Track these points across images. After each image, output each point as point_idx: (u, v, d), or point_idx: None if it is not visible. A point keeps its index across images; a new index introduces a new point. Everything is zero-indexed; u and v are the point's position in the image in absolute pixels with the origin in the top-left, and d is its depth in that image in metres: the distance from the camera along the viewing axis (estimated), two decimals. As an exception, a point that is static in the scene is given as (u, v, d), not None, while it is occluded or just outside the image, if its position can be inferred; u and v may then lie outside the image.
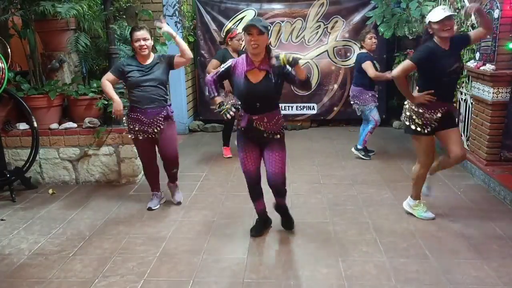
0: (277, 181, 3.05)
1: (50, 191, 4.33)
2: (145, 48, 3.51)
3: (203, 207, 3.88)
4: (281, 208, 3.30)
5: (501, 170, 4.13)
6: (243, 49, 5.06)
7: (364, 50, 4.97)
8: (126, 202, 4.03)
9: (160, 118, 3.60)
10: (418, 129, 3.26)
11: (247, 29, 2.76)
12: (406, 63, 3.22)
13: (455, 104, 3.36)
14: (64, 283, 2.74)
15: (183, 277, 2.77)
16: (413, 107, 3.27)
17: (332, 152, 5.49)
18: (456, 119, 3.30)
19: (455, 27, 4.90)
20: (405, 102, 3.39)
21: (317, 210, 3.75)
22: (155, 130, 3.62)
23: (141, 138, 3.64)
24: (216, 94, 3.03)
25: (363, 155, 5.15)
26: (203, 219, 3.63)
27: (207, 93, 2.97)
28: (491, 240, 3.14)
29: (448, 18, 3.04)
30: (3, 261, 3.03)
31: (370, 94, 4.96)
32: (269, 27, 2.88)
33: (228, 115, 2.96)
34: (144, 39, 3.50)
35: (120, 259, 3.00)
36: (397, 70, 3.26)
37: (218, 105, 3.03)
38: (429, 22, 3.14)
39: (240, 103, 3.04)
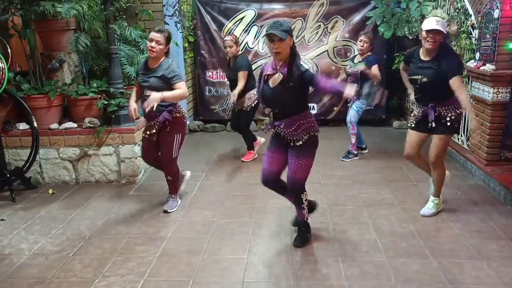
0: (292, 186, 3.00)
1: (50, 191, 4.33)
2: (153, 51, 3.44)
3: (203, 207, 3.88)
4: (298, 222, 3.22)
5: (501, 170, 4.13)
6: (242, 53, 5.08)
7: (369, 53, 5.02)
8: (126, 202, 4.03)
9: (155, 122, 3.60)
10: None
11: (268, 35, 2.72)
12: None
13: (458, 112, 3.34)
14: (64, 283, 2.74)
15: (183, 277, 2.77)
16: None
17: (332, 152, 5.49)
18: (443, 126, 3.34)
19: (455, 28, 4.93)
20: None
21: (319, 210, 3.75)
22: (152, 132, 3.65)
23: (145, 135, 3.72)
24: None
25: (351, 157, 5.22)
26: (203, 219, 3.63)
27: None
28: (491, 240, 3.14)
29: (434, 31, 3.13)
30: (3, 261, 3.03)
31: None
32: (291, 28, 2.81)
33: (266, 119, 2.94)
34: (156, 42, 3.42)
35: (120, 259, 3.00)
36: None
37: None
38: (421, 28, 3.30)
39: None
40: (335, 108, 6.92)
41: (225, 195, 4.14)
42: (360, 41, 4.94)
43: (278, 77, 2.81)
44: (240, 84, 4.76)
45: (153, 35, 3.45)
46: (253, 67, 5.50)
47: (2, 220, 3.71)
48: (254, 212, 3.71)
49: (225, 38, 4.97)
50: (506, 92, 4.09)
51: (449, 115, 3.29)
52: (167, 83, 3.46)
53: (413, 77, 3.36)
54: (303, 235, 3.18)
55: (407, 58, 3.55)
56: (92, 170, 4.53)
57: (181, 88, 3.46)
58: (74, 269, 2.90)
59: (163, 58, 3.54)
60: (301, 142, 2.88)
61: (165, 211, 3.77)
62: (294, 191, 3.04)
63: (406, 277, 2.71)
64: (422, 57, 3.32)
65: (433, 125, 3.32)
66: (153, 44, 3.43)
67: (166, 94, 3.38)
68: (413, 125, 3.51)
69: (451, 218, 3.51)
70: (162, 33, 3.47)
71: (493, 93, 4.10)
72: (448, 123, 3.30)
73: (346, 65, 6.62)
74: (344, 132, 6.47)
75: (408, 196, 4.01)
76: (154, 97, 3.32)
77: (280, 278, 2.74)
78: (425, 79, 3.25)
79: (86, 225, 3.57)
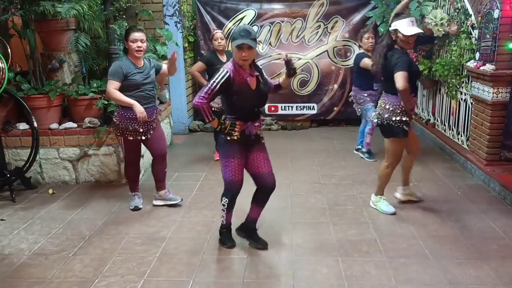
0: (273, 180, 2.99)
1: (50, 191, 4.33)
2: (141, 51, 3.54)
3: (203, 207, 3.88)
4: (252, 223, 3.15)
5: (501, 170, 4.13)
6: (229, 50, 5.06)
7: (361, 50, 4.99)
8: (126, 202, 4.02)
9: (154, 117, 3.70)
10: (406, 129, 3.47)
11: (238, 46, 2.71)
12: (403, 73, 3.24)
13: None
14: (64, 283, 2.74)
15: (183, 277, 2.77)
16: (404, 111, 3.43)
17: (332, 152, 5.49)
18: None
19: (455, 28, 4.94)
20: (390, 108, 3.45)
21: (317, 210, 3.75)
22: (146, 130, 3.65)
23: (131, 138, 3.64)
24: (213, 117, 2.80)
25: (366, 157, 5.15)
26: (203, 219, 3.63)
27: (205, 119, 2.80)
28: (491, 240, 3.14)
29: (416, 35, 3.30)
30: (3, 261, 3.03)
31: (366, 94, 4.97)
32: (256, 36, 2.87)
33: (234, 135, 2.84)
34: (142, 41, 3.53)
35: (120, 259, 3.00)
36: (401, 84, 3.25)
37: (220, 125, 2.85)
38: (396, 30, 3.33)
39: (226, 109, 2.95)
40: (335, 108, 6.92)
41: (225, 195, 4.13)
42: (372, 38, 4.92)
43: (253, 79, 2.87)
44: None
45: (137, 35, 3.51)
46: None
47: (2, 220, 3.71)
48: (254, 212, 3.71)
49: (217, 31, 4.95)
50: (506, 92, 4.09)
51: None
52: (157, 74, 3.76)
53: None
54: (257, 236, 3.17)
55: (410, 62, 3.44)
56: (92, 170, 4.53)
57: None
58: (74, 269, 2.90)
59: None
60: (263, 138, 3.05)
61: (178, 205, 3.88)
62: (273, 187, 3.01)
63: (406, 277, 2.71)
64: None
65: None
66: (139, 43, 3.51)
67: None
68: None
69: (451, 218, 3.51)
70: (143, 31, 3.60)
71: (493, 93, 4.10)
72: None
73: (347, 65, 6.68)
74: (344, 132, 6.49)
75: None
76: (140, 109, 3.47)
77: (280, 278, 2.74)
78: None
79: (86, 225, 3.57)
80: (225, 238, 3.18)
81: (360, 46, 5.04)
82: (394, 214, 3.59)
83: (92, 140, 4.43)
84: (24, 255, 3.10)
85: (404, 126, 3.42)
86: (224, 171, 2.95)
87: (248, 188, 3.05)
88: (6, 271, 2.90)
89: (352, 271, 2.79)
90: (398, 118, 3.40)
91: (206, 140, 6.32)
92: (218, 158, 5.22)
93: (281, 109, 6.93)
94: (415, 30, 3.31)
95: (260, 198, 3.06)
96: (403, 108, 3.39)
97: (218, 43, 4.82)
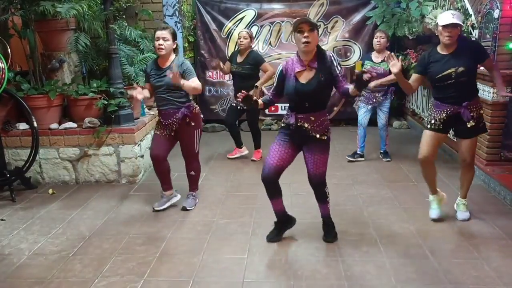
0: (316, 181, 3.05)
1: (50, 191, 4.33)
2: (162, 49, 3.46)
3: (203, 207, 3.88)
4: (324, 218, 3.25)
5: (501, 170, 4.13)
6: (254, 50, 5.15)
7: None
8: (126, 202, 4.03)
9: (174, 120, 3.58)
10: (427, 125, 3.41)
11: (297, 26, 2.73)
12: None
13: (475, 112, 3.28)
14: (64, 283, 2.74)
15: (183, 277, 2.77)
16: (429, 109, 3.43)
17: (332, 152, 5.45)
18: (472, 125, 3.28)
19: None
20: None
21: (317, 210, 3.74)
22: (171, 131, 3.63)
23: (158, 133, 3.69)
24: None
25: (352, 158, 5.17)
26: (203, 219, 3.63)
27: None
28: (491, 240, 3.15)
29: (452, 25, 3.06)
30: (3, 261, 3.03)
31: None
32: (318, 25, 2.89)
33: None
34: (163, 39, 3.45)
35: (120, 259, 3.00)
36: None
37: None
38: (437, 24, 3.21)
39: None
40: (335, 108, 6.92)
41: (225, 195, 4.13)
42: (377, 37, 4.90)
43: (310, 71, 2.84)
44: (268, 73, 4.87)
45: (159, 33, 3.48)
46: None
47: (2, 220, 3.71)
48: (254, 212, 3.71)
49: (241, 30, 5.11)
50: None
51: (478, 114, 3.28)
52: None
53: (446, 72, 3.15)
54: (332, 230, 3.23)
55: (422, 65, 3.31)
56: (92, 170, 4.53)
57: (197, 82, 3.56)
58: (74, 269, 2.90)
59: (173, 56, 3.58)
60: (325, 137, 2.96)
61: (184, 208, 3.79)
62: (319, 186, 3.07)
63: (406, 277, 2.71)
64: (443, 53, 3.20)
65: (473, 124, 3.24)
66: (160, 42, 3.45)
67: (186, 82, 3.45)
68: (439, 127, 3.32)
69: (451, 218, 3.51)
70: (167, 29, 3.51)
71: (493, 93, 4.10)
72: (481, 123, 3.31)
73: (347, 65, 6.67)
74: (344, 132, 6.49)
75: (408, 196, 4.01)
76: (178, 79, 3.37)
77: (280, 278, 2.74)
78: (461, 68, 3.12)
79: (86, 225, 3.57)
80: (271, 231, 3.27)
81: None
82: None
83: (92, 140, 4.43)
84: (24, 255, 3.10)
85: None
86: None
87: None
88: (6, 271, 2.90)
89: (352, 271, 2.79)
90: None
91: (206, 140, 6.31)
92: (257, 159, 5.23)
93: (281, 109, 6.93)
94: (446, 19, 3.07)
95: (315, 195, 3.16)
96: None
97: (240, 41, 4.95)
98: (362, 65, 4.48)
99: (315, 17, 6.70)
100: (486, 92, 4.20)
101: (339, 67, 2.86)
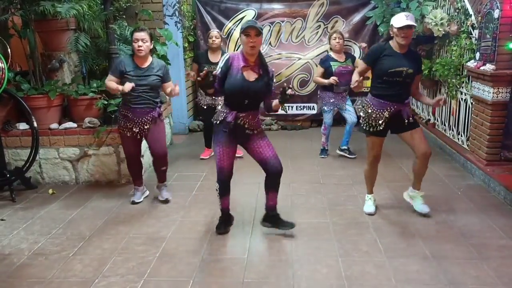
0: (279, 163, 3.12)
1: (50, 191, 4.33)
2: (142, 50, 3.56)
3: (203, 207, 3.88)
4: (272, 211, 3.28)
5: (501, 170, 4.13)
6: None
7: (330, 52, 5.15)
8: (126, 202, 4.03)
9: (148, 119, 3.70)
10: (368, 128, 3.43)
11: (245, 30, 2.86)
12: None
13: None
14: (64, 283, 2.74)
15: (183, 277, 2.77)
16: (365, 107, 3.45)
17: (332, 152, 5.49)
18: (411, 118, 3.41)
19: (455, 27, 4.94)
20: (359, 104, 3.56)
21: (317, 210, 3.75)
22: (140, 130, 3.71)
23: (129, 135, 3.75)
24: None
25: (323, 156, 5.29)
26: (203, 219, 3.63)
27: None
28: (491, 240, 3.14)
29: (408, 27, 3.17)
30: (3, 261, 3.03)
31: (326, 95, 5.16)
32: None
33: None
34: (143, 40, 3.55)
35: (120, 259, 3.00)
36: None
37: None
38: (391, 25, 3.29)
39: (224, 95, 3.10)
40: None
41: (225, 195, 4.13)
42: (335, 38, 5.02)
43: (254, 73, 2.97)
44: None
45: (138, 34, 3.56)
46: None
47: (2, 220, 3.71)
48: (254, 212, 3.71)
49: (214, 30, 5.22)
50: (506, 92, 4.09)
51: (411, 111, 3.49)
52: (161, 81, 3.74)
53: (397, 69, 3.23)
54: (282, 220, 3.29)
55: (374, 57, 3.33)
56: (92, 170, 4.53)
57: (175, 86, 3.80)
58: (74, 269, 2.90)
59: (150, 57, 3.71)
60: (259, 129, 3.14)
61: (167, 200, 3.96)
62: (280, 169, 3.12)
63: (406, 277, 2.71)
64: (398, 51, 3.29)
65: (411, 120, 3.39)
66: (140, 43, 3.55)
67: (176, 88, 3.75)
68: (381, 128, 3.37)
69: (451, 218, 3.51)
70: (145, 31, 3.60)
71: (493, 93, 4.10)
72: (413, 119, 3.44)
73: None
74: (343, 132, 6.47)
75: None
76: (177, 90, 3.74)
77: (280, 278, 2.74)
78: (411, 70, 3.26)
79: (86, 225, 3.57)
80: (219, 224, 3.37)
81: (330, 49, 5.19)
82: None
83: (92, 140, 4.43)
84: (24, 255, 3.10)
85: (364, 125, 3.46)
86: (215, 158, 3.14)
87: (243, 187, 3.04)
88: (6, 271, 2.90)
89: (352, 271, 2.79)
90: (361, 114, 3.50)
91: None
92: (204, 157, 5.31)
93: (281, 109, 6.92)
94: (401, 21, 3.16)
95: (271, 183, 3.19)
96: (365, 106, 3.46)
97: (212, 40, 4.99)
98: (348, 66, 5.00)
99: (315, 17, 6.71)
100: (486, 92, 4.21)
101: (273, 83, 3.11)
